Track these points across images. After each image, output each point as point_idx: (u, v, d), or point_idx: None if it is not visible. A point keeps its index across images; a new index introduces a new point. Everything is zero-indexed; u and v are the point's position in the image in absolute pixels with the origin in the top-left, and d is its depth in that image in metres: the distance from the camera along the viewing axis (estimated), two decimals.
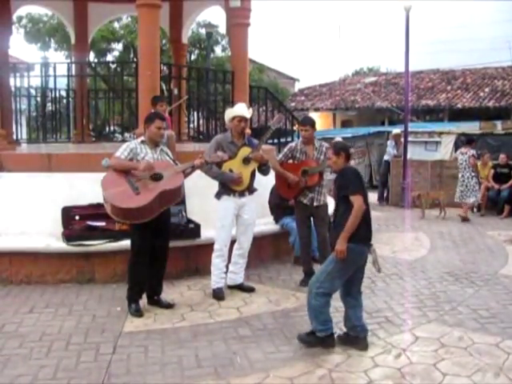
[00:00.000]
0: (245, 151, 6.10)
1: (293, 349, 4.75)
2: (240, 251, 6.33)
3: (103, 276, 6.61)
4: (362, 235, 4.69)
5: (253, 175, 6.19)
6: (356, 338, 4.79)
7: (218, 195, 6.14)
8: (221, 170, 6.01)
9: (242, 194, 6.12)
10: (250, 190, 6.20)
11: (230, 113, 6.20)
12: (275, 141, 11.29)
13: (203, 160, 5.63)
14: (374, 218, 11.56)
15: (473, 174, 11.30)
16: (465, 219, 11.16)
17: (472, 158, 11.29)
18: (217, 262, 6.15)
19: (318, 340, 4.74)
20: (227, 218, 6.10)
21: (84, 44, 12.27)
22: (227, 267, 6.27)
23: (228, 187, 6.08)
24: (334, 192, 5.03)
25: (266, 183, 7.69)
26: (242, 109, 6.20)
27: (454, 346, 4.77)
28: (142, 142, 5.61)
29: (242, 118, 6.09)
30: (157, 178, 5.38)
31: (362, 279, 4.90)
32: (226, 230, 6.11)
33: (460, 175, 11.42)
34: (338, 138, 11.64)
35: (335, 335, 4.84)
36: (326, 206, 6.69)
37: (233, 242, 6.32)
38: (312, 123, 6.57)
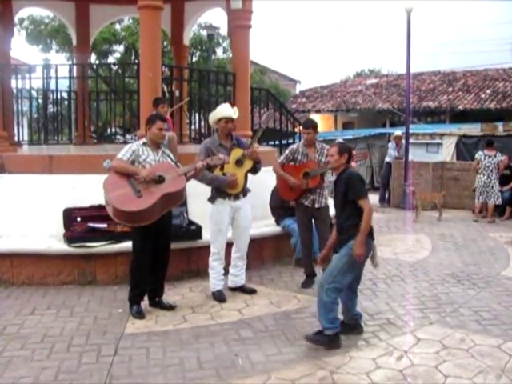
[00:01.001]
0: (237, 153, 6.03)
1: (294, 350, 4.74)
2: (238, 254, 6.32)
3: (104, 278, 6.61)
4: (369, 230, 4.89)
5: (246, 176, 6.16)
6: (355, 325, 5.10)
7: (212, 199, 6.08)
8: (214, 174, 5.93)
9: (236, 196, 6.08)
10: (245, 192, 6.18)
11: (215, 114, 6.11)
12: (276, 142, 11.31)
13: (205, 163, 5.59)
14: (376, 220, 11.62)
15: (497, 175, 11.51)
16: (493, 221, 11.39)
17: (502, 163, 11.55)
18: (214, 265, 6.14)
19: (325, 339, 4.78)
20: (223, 222, 6.07)
21: (85, 46, 12.29)
22: (225, 269, 6.26)
23: (223, 191, 6.03)
24: (336, 196, 5.03)
25: (267, 184, 7.69)
26: (227, 109, 6.10)
27: (455, 348, 4.77)
28: (144, 143, 5.61)
29: (228, 119, 6.04)
30: (159, 180, 5.37)
31: (362, 272, 5.18)
32: (222, 233, 6.09)
33: (485, 177, 11.49)
34: (340, 140, 11.67)
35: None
36: (327, 207, 6.69)
37: (229, 245, 6.30)
38: (314, 126, 6.57)
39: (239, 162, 6.03)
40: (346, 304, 5.08)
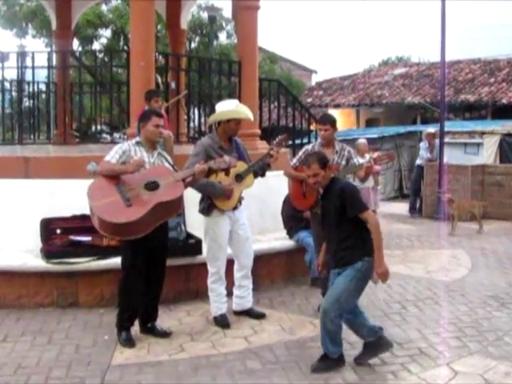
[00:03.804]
0: (240, 166, 5.96)
1: None
2: (242, 272, 6.32)
3: (88, 299, 6.63)
4: (371, 248, 4.92)
5: (241, 194, 6.13)
6: (379, 340, 5.09)
7: (208, 211, 6.02)
8: (209, 180, 5.87)
9: (235, 207, 6.09)
10: (240, 200, 6.15)
11: (226, 113, 5.98)
12: (289, 142, 11.31)
13: (206, 166, 5.60)
14: (405, 233, 11.60)
15: None
16: None
17: None
18: (215, 286, 6.15)
19: (333, 362, 4.97)
20: (224, 237, 6.07)
21: (67, 30, 12.36)
22: (228, 290, 6.27)
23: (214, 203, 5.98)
24: (325, 213, 5.08)
25: (278, 191, 7.70)
26: (242, 109, 6.05)
27: (499, 383, 4.74)
28: (137, 143, 5.63)
29: (241, 121, 6.02)
30: (152, 187, 5.36)
31: None
32: (223, 250, 6.10)
33: None
34: (362, 140, 11.62)
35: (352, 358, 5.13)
36: None
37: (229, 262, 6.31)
38: (332, 122, 6.56)
39: (239, 178, 6.00)
40: (355, 322, 5.11)
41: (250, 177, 6.06)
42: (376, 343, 5.10)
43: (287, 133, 7.02)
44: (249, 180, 6.07)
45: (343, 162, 6.50)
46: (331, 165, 5.43)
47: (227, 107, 6.08)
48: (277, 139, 6.26)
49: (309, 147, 6.73)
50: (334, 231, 5.00)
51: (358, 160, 6.55)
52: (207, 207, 6.04)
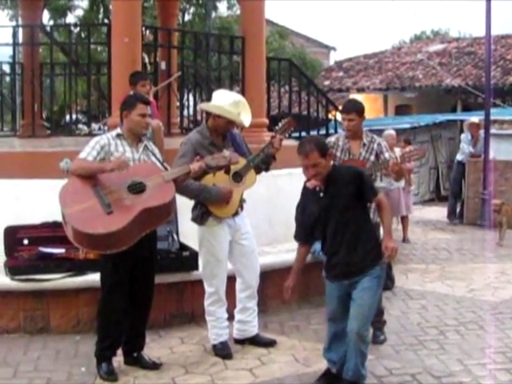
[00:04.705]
0: (239, 163, 5.91)
1: None
2: (248, 292, 6.30)
3: (62, 324, 6.63)
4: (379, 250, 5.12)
5: (241, 197, 6.10)
6: None
7: (202, 219, 6.00)
8: (202, 183, 5.84)
9: (235, 212, 6.07)
10: (241, 205, 6.13)
11: (217, 107, 5.94)
12: (303, 134, 11.31)
13: (203, 164, 5.57)
14: (443, 243, 11.55)
15: None
16: None
17: None
18: (213, 309, 6.13)
19: None
20: (223, 249, 6.07)
21: (35, 0, 12.37)
22: (228, 311, 6.24)
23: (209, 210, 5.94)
24: (333, 203, 5.08)
25: (290, 193, 7.67)
26: (239, 109, 5.97)
27: None
28: (118, 135, 5.61)
29: (233, 123, 6.01)
30: (137, 189, 5.34)
31: None
32: (223, 265, 6.10)
33: None
34: (390, 131, 11.59)
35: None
36: (376, 225, 6.64)
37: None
38: (358, 110, 6.51)
39: (238, 176, 5.96)
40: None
41: (250, 174, 6.03)
42: None
43: (293, 117, 6.91)
44: (250, 178, 6.04)
45: (372, 158, 6.47)
46: (331, 153, 5.44)
47: (222, 100, 6.00)
48: (279, 124, 6.22)
49: (332, 139, 6.68)
50: (346, 227, 5.03)
51: (391, 155, 6.52)
52: (201, 215, 6.01)
